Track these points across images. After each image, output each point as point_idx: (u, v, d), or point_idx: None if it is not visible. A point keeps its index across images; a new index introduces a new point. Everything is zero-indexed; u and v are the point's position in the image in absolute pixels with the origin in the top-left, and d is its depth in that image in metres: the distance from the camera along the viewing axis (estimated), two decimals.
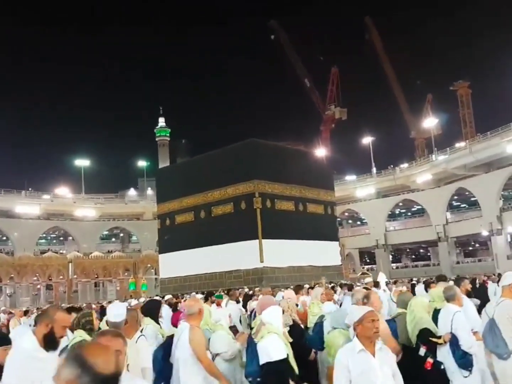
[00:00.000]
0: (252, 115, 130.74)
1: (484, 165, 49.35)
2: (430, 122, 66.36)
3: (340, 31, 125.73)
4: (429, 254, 67.41)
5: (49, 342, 3.91)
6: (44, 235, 64.06)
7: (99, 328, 5.00)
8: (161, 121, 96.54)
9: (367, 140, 66.59)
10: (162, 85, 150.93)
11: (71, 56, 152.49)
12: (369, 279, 13.57)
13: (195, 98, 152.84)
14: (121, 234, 70.34)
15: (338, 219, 50.52)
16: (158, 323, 6.73)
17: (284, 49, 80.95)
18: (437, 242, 55.71)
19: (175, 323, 6.07)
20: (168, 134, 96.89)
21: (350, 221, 69.46)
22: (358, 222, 68.85)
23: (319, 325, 6.70)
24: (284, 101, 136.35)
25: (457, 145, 56.88)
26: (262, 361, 4.72)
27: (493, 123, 58.01)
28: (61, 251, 62.12)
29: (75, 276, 49.89)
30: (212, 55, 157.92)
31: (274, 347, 4.69)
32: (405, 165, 61.25)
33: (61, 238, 68.57)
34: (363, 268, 59.47)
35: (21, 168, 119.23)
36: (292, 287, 14.51)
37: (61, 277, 50.46)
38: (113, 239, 71.75)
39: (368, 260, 69.37)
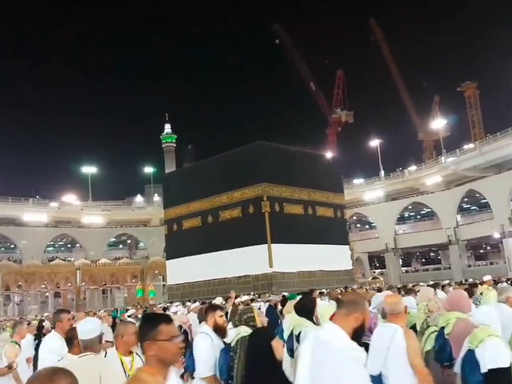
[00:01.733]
0: (258, 119, 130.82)
1: (494, 166, 48.60)
2: (438, 124, 65.88)
3: (345, 33, 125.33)
4: (439, 257, 66.63)
5: (358, 338, 3.14)
6: (52, 242, 63.86)
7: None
8: (167, 128, 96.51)
9: (374, 142, 66.10)
10: (168, 91, 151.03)
11: (77, 63, 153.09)
12: (488, 277, 12.76)
13: (200, 103, 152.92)
14: (129, 241, 70.11)
15: (347, 222, 49.98)
16: (315, 323, 5.81)
17: (289, 53, 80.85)
18: (448, 245, 55.03)
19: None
20: (174, 140, 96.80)
21: (358, 225, 68.76)
22: (367, 226, 68.20)
23: None
24: (289, 105, 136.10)
25: (466, 146, 56.22)
26: (486, 368, 4.07)
27: (501, 124, 57.23)
28: (68, 259, 61.93)
29: (83, 284, 49.66)
30: (216, 60, 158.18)
31: (502, 352, 4.08)
32: (414, 167, 60.63)
33: (69, 246, 68.35)
34: (374, 272, 58.87)
35: (28, 176, 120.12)
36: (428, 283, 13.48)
37: (69, 284, 50.22)
38: (121, 246, 71.48)
39: (377, 264, 68.62)
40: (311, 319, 5.69)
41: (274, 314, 10.64)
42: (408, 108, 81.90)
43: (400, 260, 63.21)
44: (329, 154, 55.25)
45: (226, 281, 34.54)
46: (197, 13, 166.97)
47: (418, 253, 70.02)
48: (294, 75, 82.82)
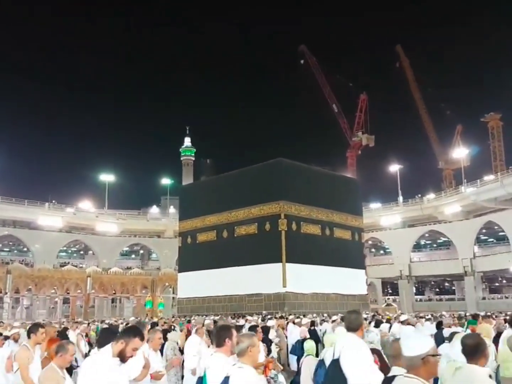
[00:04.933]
0: (278, 138, 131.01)
1: None
2: (460, 153, 65.14)
3: (371, 58, 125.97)
4: (453, 288, 65.49)
5: None
6: (65, 248, 63.95)
7: None
8: (187, 141, 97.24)
9: (394, 168, 65.47)
10: (189, 104, 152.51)
11: (99, 73, 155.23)
12: None
13: (222, 118, 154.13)
14: (141, 251, 70.03)
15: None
16: None
17: (313, 74, 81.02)
18: (463, 276, 54.02)
19: None
20: (193, 154, 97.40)
21: (373, 250, 67.94)
22: (382, 251, 67.36)
23: None
24: (311, 125, 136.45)
25: (486, 177, 55.41)
26: None
27: None
28: (80, 265, 61.91)
29: (93, 291, 49.37)
30: (240, 77, 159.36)
31: None
32: (432, 195, 59.86)
33: (82, 252, 68.43)
34: (389, 299, 57.97)
35: (46, 180, 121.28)
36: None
37: (79, 291, 49.96)
38: (133, 256, 71.39)
39: (390, 291, 67.63)
40: None
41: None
42: (430, 136, 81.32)
43: (414, 288, 62.22)
44: (348, 176, 54.83)
45: (238, 298, 34.05)
46: (221, 29, 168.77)
47: (432, 282, 69.00)
48: (317, 96, 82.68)
